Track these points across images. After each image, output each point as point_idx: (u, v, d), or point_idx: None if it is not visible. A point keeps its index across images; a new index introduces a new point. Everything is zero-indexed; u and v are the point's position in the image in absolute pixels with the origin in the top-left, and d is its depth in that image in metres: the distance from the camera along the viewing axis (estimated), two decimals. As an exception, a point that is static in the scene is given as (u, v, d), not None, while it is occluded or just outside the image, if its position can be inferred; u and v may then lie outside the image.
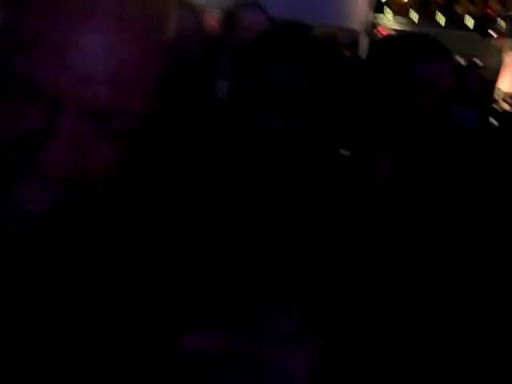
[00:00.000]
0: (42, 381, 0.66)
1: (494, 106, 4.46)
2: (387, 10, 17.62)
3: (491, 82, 4.49)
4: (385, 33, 10.18)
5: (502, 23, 16.42)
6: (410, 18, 17.77)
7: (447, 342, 1.17)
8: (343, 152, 1.14)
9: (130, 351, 0.68)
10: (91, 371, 0.67)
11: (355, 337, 1.06)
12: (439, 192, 1.42)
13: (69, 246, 0.70)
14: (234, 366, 0.55)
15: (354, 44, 5.99)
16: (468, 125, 1.82)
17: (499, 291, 1.26)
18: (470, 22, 17.26)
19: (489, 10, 17.14)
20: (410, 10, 18.07)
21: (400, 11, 17.85)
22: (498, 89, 4.75)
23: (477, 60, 5.01)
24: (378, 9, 15.68)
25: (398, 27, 16.03)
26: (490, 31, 15.43)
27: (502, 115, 3.29)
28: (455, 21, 17.25)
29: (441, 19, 17.68)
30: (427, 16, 17.77)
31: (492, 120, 3.13)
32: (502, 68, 4.85)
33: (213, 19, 3.15)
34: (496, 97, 4.66)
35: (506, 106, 5.00)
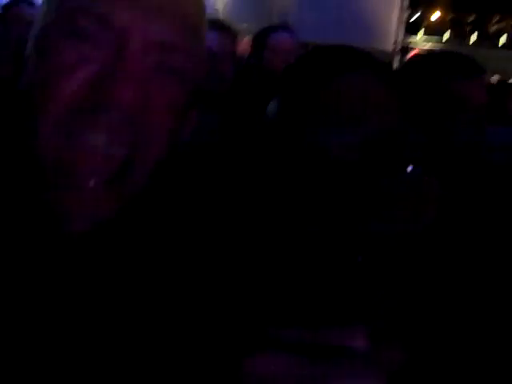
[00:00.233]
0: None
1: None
2: (420, 31, 17.55)
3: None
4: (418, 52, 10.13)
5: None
6: (442, 37, 17.65)
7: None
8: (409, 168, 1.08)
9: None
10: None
11: (425, 353, 1.02)
12: (473, 210, 1.40)
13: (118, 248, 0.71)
14: None
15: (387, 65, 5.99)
16: (503, 144, 1.80)
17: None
18: (502, 40, 17.06)
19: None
20: (443, 29, 17.95)
21: (432, 31, 17.75)
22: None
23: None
24: (411, 29, 15.62)
25: (430, 47, 15.93)
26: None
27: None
28: (488, 39, 17.07)
29: (473, 38, 17.52)
30: (460, 35, 17.63)
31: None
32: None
33: (246, 42, 3.22)
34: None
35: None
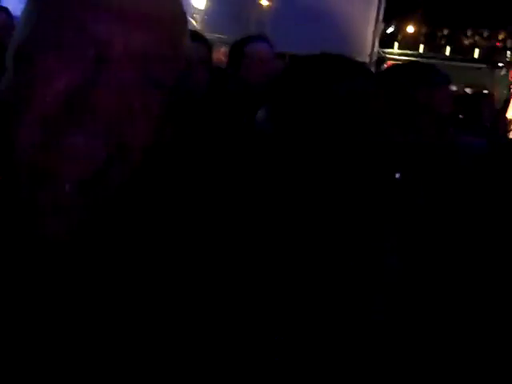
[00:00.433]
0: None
1: (504, 134, 4.46)
2: (394, 43, 17.80)
3: (500, 111, 4.51)
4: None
5: (509, 54, 16.54)
6: (417, 50, 17.92)
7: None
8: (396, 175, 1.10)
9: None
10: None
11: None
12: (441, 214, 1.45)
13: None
14: None
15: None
16: (474, 152, 1.85)
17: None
18: (476, 53, 17.40)
19: (497, 43, 17.29)
20: (417, 42, 18.24)
21: (407, 44, 18.02)
22: (506, 118, 4.77)
23: (485, 90, 5.05)
24: (386, 42, 15.87)
25: (405, 59, 16.19)
26: (498, 62, 15.53)
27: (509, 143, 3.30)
28: (462, 52, 17.39)
29: (447, 51, 17.82)
30: (434, 48, 17.92)
31: (500, 148, 3.13)
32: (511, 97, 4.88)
33: (222, 52, 3.24)
34: (505, 125, 4.67)
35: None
